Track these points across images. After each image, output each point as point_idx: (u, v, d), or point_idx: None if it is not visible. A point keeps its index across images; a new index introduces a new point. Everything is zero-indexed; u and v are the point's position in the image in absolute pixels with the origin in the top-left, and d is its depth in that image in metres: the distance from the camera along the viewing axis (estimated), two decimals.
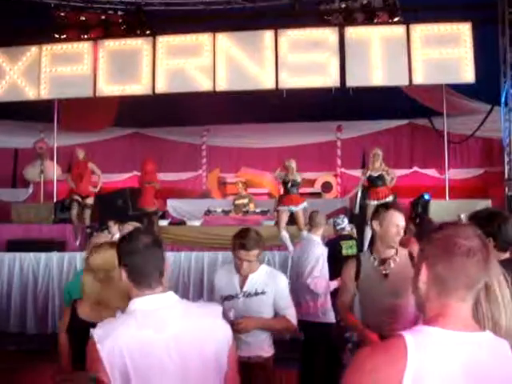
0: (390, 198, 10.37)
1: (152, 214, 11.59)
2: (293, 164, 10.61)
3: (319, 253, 6.18)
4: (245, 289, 4.11)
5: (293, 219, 10.58)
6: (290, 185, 10.47)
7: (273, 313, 4.18)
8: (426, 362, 1.59)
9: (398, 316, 3.59)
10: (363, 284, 3.88)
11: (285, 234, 10.20)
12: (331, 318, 6.16)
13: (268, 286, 4.11)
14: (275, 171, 11.11)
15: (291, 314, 4.21)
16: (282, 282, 4.23)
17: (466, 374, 1.61)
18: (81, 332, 3.21)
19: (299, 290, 6.08)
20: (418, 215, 8.52)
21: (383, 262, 3.81)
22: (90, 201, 12.10)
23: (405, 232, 4.04)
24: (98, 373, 2.22)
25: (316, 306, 6.08)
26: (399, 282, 3.56)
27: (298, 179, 10.60)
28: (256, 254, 4.07)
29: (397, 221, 3.82)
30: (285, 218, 10.40)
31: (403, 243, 5.28)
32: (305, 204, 10.54)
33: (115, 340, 2.26)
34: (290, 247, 9.87)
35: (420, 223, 6.60)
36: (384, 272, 3.77)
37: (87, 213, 11.96)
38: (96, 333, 2.30)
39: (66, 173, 13.20)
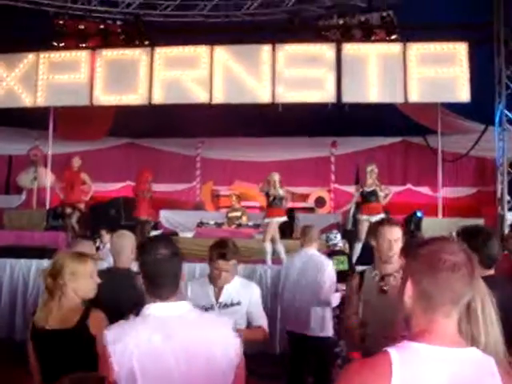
0: (381, 215, 10.38)
1: (145, 224, 11.56)
2: (275, 177, 10.55)
3: (331, 265, 6.17)
4: (220, 300, 4.14)
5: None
6: (271, 198, 10.44)
7: (245, 323, 4.21)
8: (411, 379, 1.59)
9: (397, 332, 3.59)
10: (364, 298, 3.88)
11: (267, 247, 10.17)
12: (329, 331, 6.12)
13: (242, 297, 4.16)
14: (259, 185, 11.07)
15: (265, 324, 4.27)
16: (256, 293, 4.29)
17: None
18: (37, 338, 3.28)
19: (301, 303, 5.97)
20: (410, 232, 8.54)
21: (383, 277, 3.81)
22: (79, 206, 12.00)
23: None
24: (107, 375, 2.26)
25: (322, 319, 6.03)
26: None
27: (281, 193, 10.53)
28: (233, 263, 4.13)
29: (389, 236, 3.81)
30: (269, 230, 10.36)
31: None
32: (283, 218, 10.51)
33: (126, 344, 2.28)
34: (268, 262, 9.92)
35: (408, 238, 6.63)
36: (384, 288, 3.77)
37: (76, 215, 11.83)
38: (107, 335, 2.33)
39: (57, 180, 13.10)
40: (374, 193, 10.52)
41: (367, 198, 10.58)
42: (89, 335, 3.21)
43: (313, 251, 6.21)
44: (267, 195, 10.49)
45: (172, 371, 2.31)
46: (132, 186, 15.84)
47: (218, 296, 4.16)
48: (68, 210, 11.85)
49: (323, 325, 5.97)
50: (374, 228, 3.99)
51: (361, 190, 10.66)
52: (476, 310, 1.80)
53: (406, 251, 5.37)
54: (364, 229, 10.19)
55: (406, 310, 1.77)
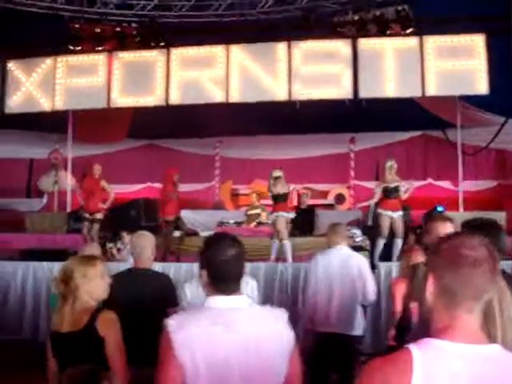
0: (401, 211, 10.38)
1: (171, 224, 11.56)
2: (277, 173, 10.77)
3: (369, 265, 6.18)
4: None
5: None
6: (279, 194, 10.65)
7: None
8: (432, 376, 1.58)
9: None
10: (416, 295, 3.87)
11: (274, 243, 10.31)
12: (362, 329, 6.10)
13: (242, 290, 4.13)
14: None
15: None
16: (253, 286, 4.31)
17: None
18: (54, 341, 3.34)
19: (342, 303, 5.88)
20: (420, 226, 8.46)
21: None
22: (98, 216, 11.89)
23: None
24: (169, 362, 2.33)
25: (360, 318, 6.03)
26: None
27: (281, 191, 10.71)
28: None
29: (442, 231, 3.76)
30: (283, 224, 10.49)
31: (406, 252, 5.26)
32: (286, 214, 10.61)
33: (188, 332, 2.35)
34: (273, 256, 10.14)
35: (421, 234, 6.62)
36: None
37: (95, 228, 11.77)
38: (170, 324, 2.39)
39: (77, 184, 13.10)
40: (396, 189, 10.47)
41: (389, 194, 10.50)
42: (97, 337, 3.23)
43: (348, 249, 6.14)
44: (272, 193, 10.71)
45: (231, 362, 2.38)
46: (159, 188, 16.01)
47: None
48: (87, 216, 11.82)
49: (359, 323, 5.97)
50: (427, 224, 3.96)
51: (384, 185, 10.54)
52: (493, 306, 1.79)
53: (422, 246, 5.40)
54: (386, 224, 10.15)
55: (427, 307, 1.76)
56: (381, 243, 9.99)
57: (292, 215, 10.70)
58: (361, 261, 6.03)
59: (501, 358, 1.66)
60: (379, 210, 10.51)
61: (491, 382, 1.61)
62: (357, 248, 7.48)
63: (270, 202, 14.15)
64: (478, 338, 1.68)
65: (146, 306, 4.32)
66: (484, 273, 1.68)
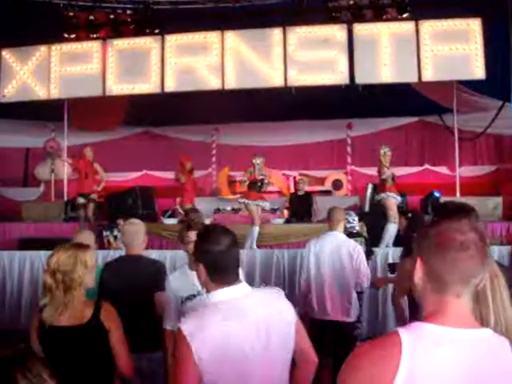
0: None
1: (190, 212, 11.47)
2: (258, 160, 10.77)
3: (362, 250, 6.09)
4: None
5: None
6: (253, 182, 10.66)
7: None
8: (420, 360, 1.57)
9: None
10: None
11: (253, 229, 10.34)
12: (356, 315, 6.08)
13: None
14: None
15: None
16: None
17: (463, 372, 1.58)
18: (46, 337, 3.22)
19: (336, 289, 5.87)
20: (410, 210, 8.39)
21: None
22: (93, 196, 11.98)
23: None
24: (188, 366, 2.35)
25: (354, 304, 5.99)
26: None
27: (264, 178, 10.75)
28: None
29: None
30: (257, 212, 10.52)
31: None
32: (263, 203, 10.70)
33: (204, 334, 2.37)
34: (252, 244, 10.17)
35: (411, 217, 6.57)
36: None
37: (91, 207, 11.85)
38: (184, 329, 2.40)
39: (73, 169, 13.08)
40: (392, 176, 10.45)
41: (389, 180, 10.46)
42: (103, 330, 3.21)
43: (341, 235, 6.09)
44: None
45: (247, 350, 2.42)
46: (155, 176, 16.01)
47: None
48: (81, 200, 11.84)
49: (353, 309, 5.93)
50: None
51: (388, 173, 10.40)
52: (485, 290, 1.77)
53: (412, 230, 5.39)
54: (395, 208, 10.03)
55: (417, 292, 1.75)
56: (391, 228, 9.77)
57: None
58: (353, 246, 5.95)
59: (492, 342, 1.65)
60: (385, 194, 10.34)
61: (482, 366, 1.60)
62: (353, 234, 7.44)
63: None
64: (467, 322, 1.67)
65: (136, 293, 4.33)
66: (472, 257, 1.66)
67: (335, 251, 5.92)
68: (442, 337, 1.61)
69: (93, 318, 3.21)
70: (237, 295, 2.53)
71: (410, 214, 6.82)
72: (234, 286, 2.55)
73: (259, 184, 10.64)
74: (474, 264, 1.67)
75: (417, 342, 1.60)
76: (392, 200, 10.14)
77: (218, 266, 2.54)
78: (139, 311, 4.27)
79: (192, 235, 4.10)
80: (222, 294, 2.52)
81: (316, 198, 12.73)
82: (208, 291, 2.60)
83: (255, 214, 10.43)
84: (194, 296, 3.98)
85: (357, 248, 5.94)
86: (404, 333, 1.62)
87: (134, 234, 4.66)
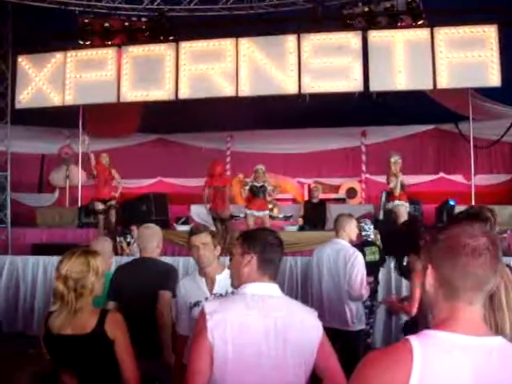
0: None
1: (226, 220, 11.37)
2: (258, 167, 10.76)
3: (361, 258, 5.97)
4: (214, 291, 4.02)
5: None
6: (256, 189, 10.59)
7: None
8: (432, 367, 1.55)
9: None
10: None
11: None
12: (363, 323, 5.98)
13: None
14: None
15: None
16: None
17: (475, 379, 1.55)
18: (51, 344, 3.16)
19: (333, 297, 5.78)
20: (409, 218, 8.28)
21: None
22: (113, 202, 11.93)
23: None
24: (202, 344, 2.43)
25: (356, 312, 5.87)
26: None
27: (266, 184, 10.67)
28: (208, 239, 4.13)
29: None
30: (250, 222, 10.42)
31: None
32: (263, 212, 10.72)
33: (223, 315, 2.46)
34: None
35: (409, 224, 6.47)
36: None
37: (112, 213, 11.83)
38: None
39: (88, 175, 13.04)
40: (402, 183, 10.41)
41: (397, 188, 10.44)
42: (107, 339, 3.14)
43: (342, 242, 5.96)
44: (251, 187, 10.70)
45: (263, 346, 2.47)
46: (169, 183, 16.01)
47: (211, 288, 4.04)
48: (100, 206, 11.83)
49: (357, 318, 5.79)
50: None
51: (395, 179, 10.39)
52: (500, 297, 1.74)
53: (411, 239, 5.32)
54: (404, 214, 9.99)
55: (428, 299, 1.72)
56: None
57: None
58: (349, 254, 5.80)
59: (504, 350, 1.62)
60: (395, 202, 10.31)
61: (493, 374, 1.57)
62: (369, 243, 7.36)
63: (281, 196, 14.21)
64: (479, 329, 1.64)
65: (151, 295, 4.33)
66: (484, 263, 1.63)
67: (333, 259, 5.85)
68: (453, 344, 1.58)
69: (97, 327, 3.14)
70: (268, 293, 2.60)
71: (407, 222, 6.73)
72: (269, 283, 2.63)
73: (258, 191, 10.57)
74: (486, 270, 1.64)
75: (428, 349, 1.57)
76: (401, 208, 10.10)
77: (268, 257, 2.66)
78: (149, 314, 4.26)
79: (195, 240, 4.11)
80: (254, 288, 2.60)
81: (330, 206, 12.67)
82: (243, 283, 2.65)
83: (250, 225, 10.36)
84: (202, 302, 3.92)
85: (353, 256, 5.79)
86: (415, 340, 1.60)
87: (149, 237, 4.69)
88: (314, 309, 5.53)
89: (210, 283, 4.07)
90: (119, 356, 3.16)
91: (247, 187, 10.71)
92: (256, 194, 10.66)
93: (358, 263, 5.76)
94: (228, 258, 4.06)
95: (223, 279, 4.03)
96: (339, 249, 5.89)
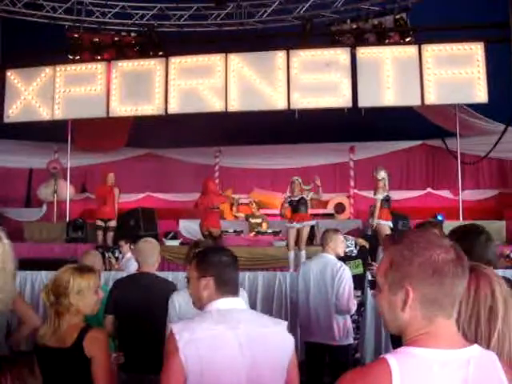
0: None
1: (217, 237, 11.28)
2: (298, 180, 10.60)
3: (348, 272, 5.96)
4: None
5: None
6: (296, 204, 10.42)
7: None
8: None
9: None
10: None
11: (290, 254, 10.19)
12: (350, 338, 5.97)
13: None
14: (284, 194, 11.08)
15: None
16: (244, 296, 4.21)
17: None
18: (38, 354, 3.11)
19: (321, 312, 5.76)
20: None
21: None
22: (112, 224, 12.13)
23: None
24: (174, 363, 2.41)
25: (343, 327, 5.85)
26: None
27: (304, 196, 10.52)
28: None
29: None
30: (291, 235, 10.32)
31: None
32: (311, 222, 10.50)
33: (192, 333, 2.44)
34: (291, 267, 9.90)
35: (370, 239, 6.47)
36: None
37: (110, 235, 11.96)
38: (174, 327, 2.52)
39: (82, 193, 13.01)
40: (388, 198, 10.42)
41: (385, 204, 10.47)
42: (83, 356, 3.10)
43: (329, 256, 5.95)
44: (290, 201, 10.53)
45: (236, 358, 2.45)
46: (158, 198, 15.96)
47: None
48: (99, 223, 12.07)
49: (344, 333, 5.77)
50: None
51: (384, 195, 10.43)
52: (497, 310, 1.78)
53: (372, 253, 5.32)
54: (385, 232, 10.06)
55: (400, 320, 1.67)
56: (381, 252, 9.82)
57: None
58: (336, 268, 5.79)
59: (482, 360, 1.63)
60: (382, 221, 10.37)
61: None
62: (350, 257, 7.36)
63: (268, 211, 14.18)
64: (456, 342, 1.65)
65: (151, 311, 4.30)
66: (462, 279, 1.65)
67: (320, 273, 5.84)
68: (432, 360, 1.57)
69: (75, 343, 3.12)
70: (234, 306, 2.62)
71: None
72: (232, 298, 2.66)
73: (297, 205, 10.42)
74: (462, 285, 1.66)
75: (406, 367, 1.55)
76: (382, 226, 10.14)
77: (224, 278, 2.66)
78: (147, 330, 4.24)
79: None
80: (220, 303, 2.61)
81: (318, 222, 12.66)
82: (205, 304, 2.66)
83: (290, 238, 10.27)
84: None
85: (340, 270, 5.77)
86: (393, 359, 1.57)
87: (150, 251, 4.69)
88: (301, 324, 5.51)
89: None
90: (94, 375, 3.09)
91: (287, 204, 10.51)
92: (296, 210, 10.35)
93: (345, 277, 5.76)
94: None
95: None
96: (326, 262, 5.89)
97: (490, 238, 3.18)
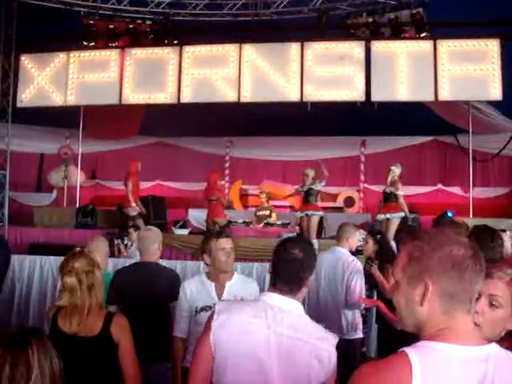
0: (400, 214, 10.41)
1: (224, 227, 11.31)
2: (310, 172, 10.69)
3: (360, 266, 5.87)
4: (223, 297, 3.94)
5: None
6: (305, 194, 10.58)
7: None
8: (432, 379, 1.53)
9: None
10: None
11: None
12: (360, 332, 5.94)
13: (244, 293, 3.94)
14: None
15: None
16: (256, 288, 4.19)
17: None
18: (57, 340, 3.16)
19: (331, 305, 5.74)
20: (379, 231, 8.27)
21: None
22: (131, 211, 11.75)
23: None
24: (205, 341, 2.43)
25: (353, 321, 5.83)
26: None
27: (313, 186, 10.63)
28: (232, 244, 4.07)
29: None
30: (303, 224, 10.43)
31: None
32: (319, 212, 10.55)
33: (229, 315, 2.44)
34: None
35: (380, 240, 6.44)
36: None
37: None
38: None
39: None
40: (391, 193, 10.51)
41: (387, 198, 10.59)
42: (112, 342, 3.15)
43: (342, 251, 5.91)
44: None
45: (261, 356, 2.39)
46: (168, 186, 15.98)
47: (220, 293, 3.97)
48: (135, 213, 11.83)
49: (353, 326, 5.75)
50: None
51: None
52: None
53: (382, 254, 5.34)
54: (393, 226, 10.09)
55: (419, 314, 1.66)
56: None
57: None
58: (348, 262, 5.75)
59: (499, 357, 1.62)
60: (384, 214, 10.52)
61: (492, 382, 1.57)
62: (359, 252, 7.35)
63: (278, 203, 14.17)
64: (474, 338, 1.64)
65: (155, 300, 4.30)
66: (480, 274, 1.65)
67: (331, 266, 5.80)
68: (452, 355, 1.57)
69: (103, 330, 3.16)
70: (283, 306, 2.49)
71: (379, 236, 6.70)
72: (288, 297, 2.52)
73: (306, 195, 10.57)
74: (480, 282, 1.66)
75: (427, 361, 1.55)
76: (391, 220, 10.27)
77: (281, 274, 2.55)
78: (152, 319, 4.24)
79: (225, 243, 4.04)
80: (271, 297, 2.53)
81: (326, 214, 12.64)
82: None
83: (303, 226, 10.40)
84: (210, 308, 3.81)
85: (352, 264, 5.74)
86: (413, 352, 1.57)
87: (151, 239, 4.65)
88: (308, 316, 5.49)
89: (220, 289, 4.00)
90: (122, 358, 3.16)
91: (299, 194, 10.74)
92: (305, 200, 10.61)
93: (357, 271, 5.72)
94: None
95: (232, 284, 4.01)
96: (339, 257, 5.85)
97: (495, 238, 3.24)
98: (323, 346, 2.46)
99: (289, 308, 2.50)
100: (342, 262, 5.78)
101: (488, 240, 3.43)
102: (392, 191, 10.52)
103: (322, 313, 5.76)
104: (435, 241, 1.68)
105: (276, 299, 2.51)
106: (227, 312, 2.46)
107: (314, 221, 10.44)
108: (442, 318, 1.64)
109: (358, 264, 5.82)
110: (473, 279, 1.63)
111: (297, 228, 11.54)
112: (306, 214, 10.69)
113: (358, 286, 5.65)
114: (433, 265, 1.64)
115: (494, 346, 1.64)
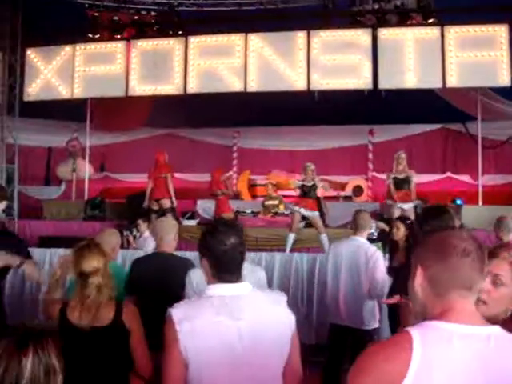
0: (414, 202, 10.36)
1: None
2: (310, 167, 10.61)
3: (382, 256, 5.82)
4: None
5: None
6: (307, 189, 10.48)
7: None
8: (432, 353, 1.60)
9: None
10: None
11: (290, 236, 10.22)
12: (377, 322, 5.91)
13: (250, 281, 3.92)
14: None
15: None
16: (263, 276, 4.20)
17: (475, 366, 1.61)
18: (67, 333, 3.06)
19: (352, 295, 5.69)
20: (407, 217, 8.18)
21: None
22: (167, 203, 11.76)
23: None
24: (174, 352, 2.37)
25: (372, 311, 5.80)
26: None
27: (316, 183, 10.56)
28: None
29: None
30: (296, 219, 10.39)
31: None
32: (315, 213, 10.50)
33: (193, 323, 2.39)
34: (287, 249, 9.95)
35: (412, 226, 6.37)
36: None
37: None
38: (175, 314, 2.44)
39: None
40: (406, 180, 10.44)
41: (400, 186, 10.50)
42: (124, 330, 3.18)
43: (361, 240, 5.85)
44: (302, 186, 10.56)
45: (236, 350, 2.40)
46: (177, 178, 15.98)
47: None
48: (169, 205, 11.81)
49: (372, 316, 5.75)
50: None
51: (392, 176, 10.52)
52: None
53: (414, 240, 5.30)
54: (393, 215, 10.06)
55: (419, 299, 1.78)
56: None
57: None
58: (370, 252, 5.69)
59: (502, 337, 1.68)
60: (388, 201, 10.50)
61: (494, 361, 1.63)
62: (370, 240, 7.33)
63: (286, 192, 14.13)
64: (476, 319, 1.71)
65: (172, 289, 4.31)
66: (473, 262, 1.70)
67: (352, 256, 5.74)
68: (452, 333, 1.64)
69: (115, 319, 3.19)
70: (234, 293, 2.51)
71: (408, 222, 6.66)
72: (235, 284, 2.54)
73: (309, 190, 10.48)
74: (474, 270, 1.71)
75: (427, 338, 1.63)
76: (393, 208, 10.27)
77: (220, 265, 2.53)
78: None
79: None
80: (220, 289, 2.51)
81: (326, 203, 12.55)
82: (208, 283, 2.60)
83: (295, 221, 10.35)
84: None
85: (375, 254, 5.68)
86: (414, 330, 1.66)
87: (167, 229, 4.69)
88: (328, 306, 5.38)
89: None
90: (133, 346, 3.20)
91: (298, 187, 10.60)
92: (306, 194, 10.39)
93: (379, 261, 5.68)
94: None
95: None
96: (359, 246, 5.79)
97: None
98: (280, 310, 2.56)
99: (240, 293, 2.52)
100: (364, 252, 5.72)
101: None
102: (408, 176, 10.47)
103: (341, 303, 5.74)
104: (436, 233, 1.83)
105: (226, 289, 2.51)
106: (188, 319, 2.40)
107: (318, 216, 10.46)
108: (436, 301, 1.73)
109: (380, 254, 5.80)
110: (461, 267, 1.69)
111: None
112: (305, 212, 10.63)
113: (381, 276, 5.59)
114: (423, 252, 1.79)
115: (497, 328, 1.70)
